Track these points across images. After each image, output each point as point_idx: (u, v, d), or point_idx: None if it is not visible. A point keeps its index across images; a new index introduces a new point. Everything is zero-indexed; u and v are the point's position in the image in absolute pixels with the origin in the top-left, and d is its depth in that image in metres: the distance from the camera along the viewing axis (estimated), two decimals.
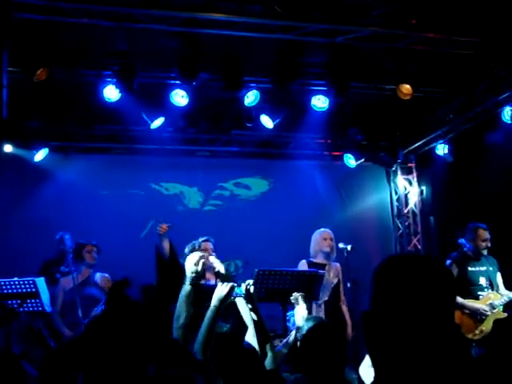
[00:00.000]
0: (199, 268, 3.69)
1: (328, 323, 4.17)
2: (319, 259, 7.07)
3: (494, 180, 8.29)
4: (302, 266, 6.91)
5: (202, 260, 3.74)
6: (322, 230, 7.23)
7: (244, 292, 3.69)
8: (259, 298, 5.98)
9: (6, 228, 8.50)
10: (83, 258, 7.03)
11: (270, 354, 3.35)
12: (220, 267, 3.86)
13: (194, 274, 3.67)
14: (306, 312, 4.28)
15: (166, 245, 6.62)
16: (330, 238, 7.12)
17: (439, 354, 1.43)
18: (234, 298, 3.73)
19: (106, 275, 7.10)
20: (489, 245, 6.95)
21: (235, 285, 3.68)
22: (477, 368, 1.76)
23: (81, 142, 9.18)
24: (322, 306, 6.79)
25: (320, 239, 7.13)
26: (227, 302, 3.61)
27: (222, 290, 3.58)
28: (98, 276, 7.04)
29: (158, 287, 7.00)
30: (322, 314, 6.67)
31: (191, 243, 6.37)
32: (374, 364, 1.51)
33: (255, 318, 3.54)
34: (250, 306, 3.62)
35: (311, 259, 7.09)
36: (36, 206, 8.82)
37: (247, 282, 3.71)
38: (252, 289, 3.66)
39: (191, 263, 3.70)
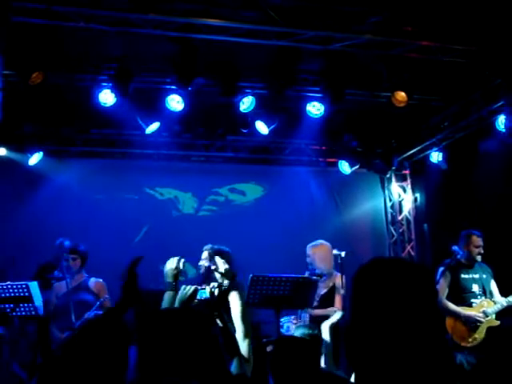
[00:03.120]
0: (180, 270, 3.69)
1: (301, 338, 4.16)
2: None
3: (488, 188, 8.32)
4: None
5: (182, 261, 3.73)
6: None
7: (208, 295, 3.66)
8: (253, 304, 6.00)
9: (0, 232, 8.47)
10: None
11: (235, 359, 3.31)
12: (221, 266, 3.83)
13: (172, 279, 3.66)
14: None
15: None
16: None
17: (421, 364, 1.38)
18: (198, 300, 3.70)
19: (100, 280, 7.07)
20: (482, 251, 6.97)
21: (198, 287, 3.65)
22: (473, 377, 1.74)
23: (75, 146, 9.17)
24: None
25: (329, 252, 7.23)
26: (190, 304, 3.59)
27: (184, 292, 3.56)
28: (92, 281, 7.01)
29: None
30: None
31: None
32: (356, 376, 1.47)
33: (220, 324, 3.51)
34: (216, 312, 3.57)
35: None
36: (30, 210, 8.79)
37: (212, 284, 3.68)
38: (216, 292, 3.63)
39: (172, 267, 3.69)
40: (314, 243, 7.52)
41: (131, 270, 2.82)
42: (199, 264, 4.79)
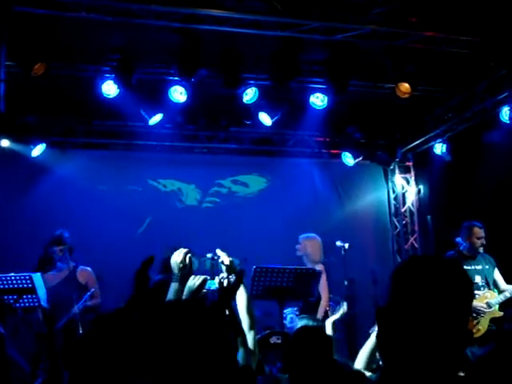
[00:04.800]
0: (186, 263, 3.68)
1: (313, 326, 4.17)
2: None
3: (492, 179, 8.29)
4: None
5: (189, 255, 3.72)
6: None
7: (217, 285, 3.65)
8: (257, 296, 6.01)
9: (3, 223, 8.48)
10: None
11: (241, 350, 3.31)
12: (225, 259, 3.82)
13: (180, 272, 3.65)
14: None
15: None
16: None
17: (447, 355, 1.44)
18: (207, 291, 3.69)
19: (88, 269, 7.06)
20: (484, 242, 6.97)
21: (208, 278, 3.64)
22: (477, 368, 1.78)
23: (78, 137, 9.16)
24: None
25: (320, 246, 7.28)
26: (199, 295, 3.58)
27: (193, 282, 3.55)
28: (79, 270, 7.00)
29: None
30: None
31: None
32: (383, 358, 1.53)
33: (227, 313, 3.51)
34: (222, 300, 3.58)
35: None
36: (33, 202, 8.81)
37: (221, 274, 3.67)
38: (225, 282, 3.62)
39: (178, 260, 3.69)
40: (306, 235, 7.58)
41: (143, 271, 2.81)
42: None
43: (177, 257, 3.71)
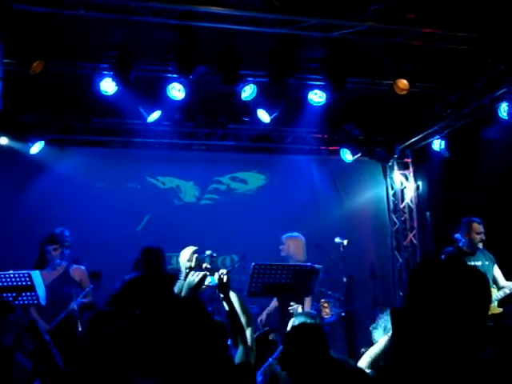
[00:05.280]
0: (193, 263, 3.68)
1: (310, 324, 4.17)
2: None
3: (490, 175, 8.30)
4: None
5: (195, 255, 3.73)
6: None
7: (217, 281, 3.65)
8: (256, 293, 6.02)
9: (1, 221, 8.48)
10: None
11: (241, 347, 3.31)
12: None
13: (187, 270, 3.66)
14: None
15: None
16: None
17: (463, 357, 1.45)
18: (207, 287, 3.70)
19: (81, 267, 7.07)
20: (483, 238, 6.98)
21: (207, 273, 3.65)
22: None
23: (77, 134, 9.16)
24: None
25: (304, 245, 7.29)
26: (199, 291, 3.59)
27: (192, 278, 3.55)
28: (73, 269, 7.01)
29: None
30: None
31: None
32: (402, 356, 1.54)
33: (227, 308, 3.52)
34: (221, 295, 3.58)
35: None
36: (31, 199, 8.81)
37: (221, 271, 3.67)
38: (225, 278, 3.62)
39: (184, 258, 3.69)
40: (289, 234, 7.59)
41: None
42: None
43: (184, 255, 3.71)
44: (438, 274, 1.52)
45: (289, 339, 3.53)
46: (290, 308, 6.37)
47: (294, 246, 7.50)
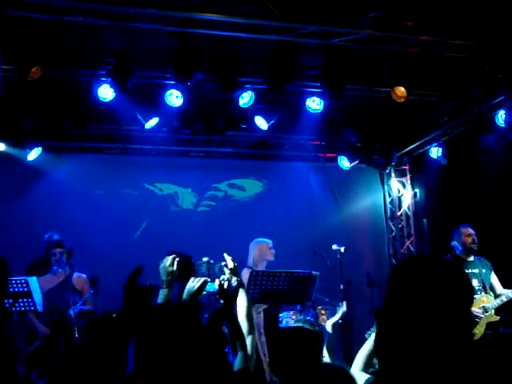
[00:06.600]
0: (174, 268, 3.67)
1: (305, 329, 4.15)
2: (260, 267, 7.04)
3: (488, 183, 8.32)
4: (246, 273, 6.59)
5: (176, 260, 3.71)
6: (265, 240, 7.29)
7: (217, 287, 3.64)
8: (253, 299, 6.00)
9: None
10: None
11: (240, 353, 3.30)
12: (229, 263, 3.81)
13: (169, 277, 3.65)
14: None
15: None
16: (272, 247, 7.27)
17: (446, 356, 1.42)
18: (207, 293, 3.68)
19: (83, 276, 7.06)
20: (475, 239, 7.00)
21: (208, 280, 3.63)
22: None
23: (75, 141, 9.15)
24: (262, 314, 6.78)
25: (266, 248, 7.19)
26: (199, 297, 3.58)
27: (193, 285, 3.54)
28: (75, 276, 7.00)
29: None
30: (261, 322, 6.68)
31: None
32: (380, 360, 1.52)
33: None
34: (222, 301, 3.57)
35: (252, 267, 7.01)
36: (29, 206, 8.78)
37: (222, 277, 3.66)
38: (226, 284, 3.62)
39: (166, 265, 3.68)
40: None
41: (132, 280, 2.82)
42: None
43: (166, 262, 3.70)
44: (418, 272, 1.50)
45: (281, 341, 3.50)
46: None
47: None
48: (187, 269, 3.64)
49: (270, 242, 7.31)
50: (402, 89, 7.64)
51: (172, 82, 7.70)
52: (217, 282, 3.63)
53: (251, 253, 7.24)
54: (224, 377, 2.57)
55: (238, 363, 3.21)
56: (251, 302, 6.01)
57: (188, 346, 2.10)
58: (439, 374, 1.42)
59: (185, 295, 3.51)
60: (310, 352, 3.34)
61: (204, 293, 3.62)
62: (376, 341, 1.54)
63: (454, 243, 7.15)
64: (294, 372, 3.26)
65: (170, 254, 3.64)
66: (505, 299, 6.85)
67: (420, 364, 1.42)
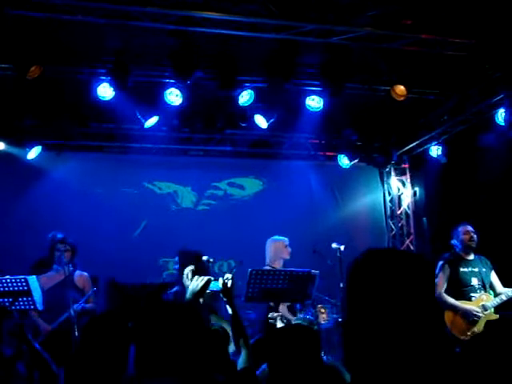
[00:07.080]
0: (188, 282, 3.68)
1: (303, 327, 4.14)
2: (277, 265, 7.08)
3: (487, 181, 8.31)
4: None
5: (190, 274, 3.71)
6: (281, 238, 7.30)
7: (221, 286, 3.64)
8: (253, 298, 6.01)
9: None
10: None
11: (243, 351, 3.29)
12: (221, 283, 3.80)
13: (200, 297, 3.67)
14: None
15: None
16: (288, 245, 7.29)
17: (419, 357, 1.36)
18: (211, 292, 3.68)
19: (85, 274, 7.05)
20: (473, 236, 6.99)
21: (212, 278, 3.63)
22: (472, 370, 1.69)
23: (74, 140, 9.14)
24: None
25: (281, 246, 7.21)
26: (202, 296, 3.57)
27: (196, 283, 3.54)
28: (77, 274, 6.99)
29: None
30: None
31: None
32: (350, 369, 1.45)
33: (230, 312, 3.51)
34: (225, 299, 3.57)
35: (270, 264, 7.09)
36: (28, 204, 8.79)
37: (226, 275, 3.66)
38: (230, 283, 3.61)
39: (185, 278, 3.69)
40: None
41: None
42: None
43: (185, 274, 3.70)
44: (377, 263, 1.43)
45: (277, 336, 3.49)
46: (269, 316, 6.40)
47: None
48: (203, 271, 3.63)
49: (286, 239, 7.33)
50: (402, 87, 7.65)
51: (171, 81, 7.69)
52: (221, 280, 3.63)
53: (267, 250, 7.29)
54: (228, 376, 2.58)
55: (241, 361, 3.21)
56: (250, 301, 6.03)
57: (191, 345, 2.10)
58: (414, 371, 1.36)
59: (188, 294, 3.51)
60: (310, 349, 3.34)
61: (208, 291, 3.61)
62: (344, 353, 1.45)
63: (454, 241, 7.16)
64: (294, 370, 3.26)
65: (180, 253, 3.64)
66: (504, 298, 6.85)
67: (393, 365, 1.36)
